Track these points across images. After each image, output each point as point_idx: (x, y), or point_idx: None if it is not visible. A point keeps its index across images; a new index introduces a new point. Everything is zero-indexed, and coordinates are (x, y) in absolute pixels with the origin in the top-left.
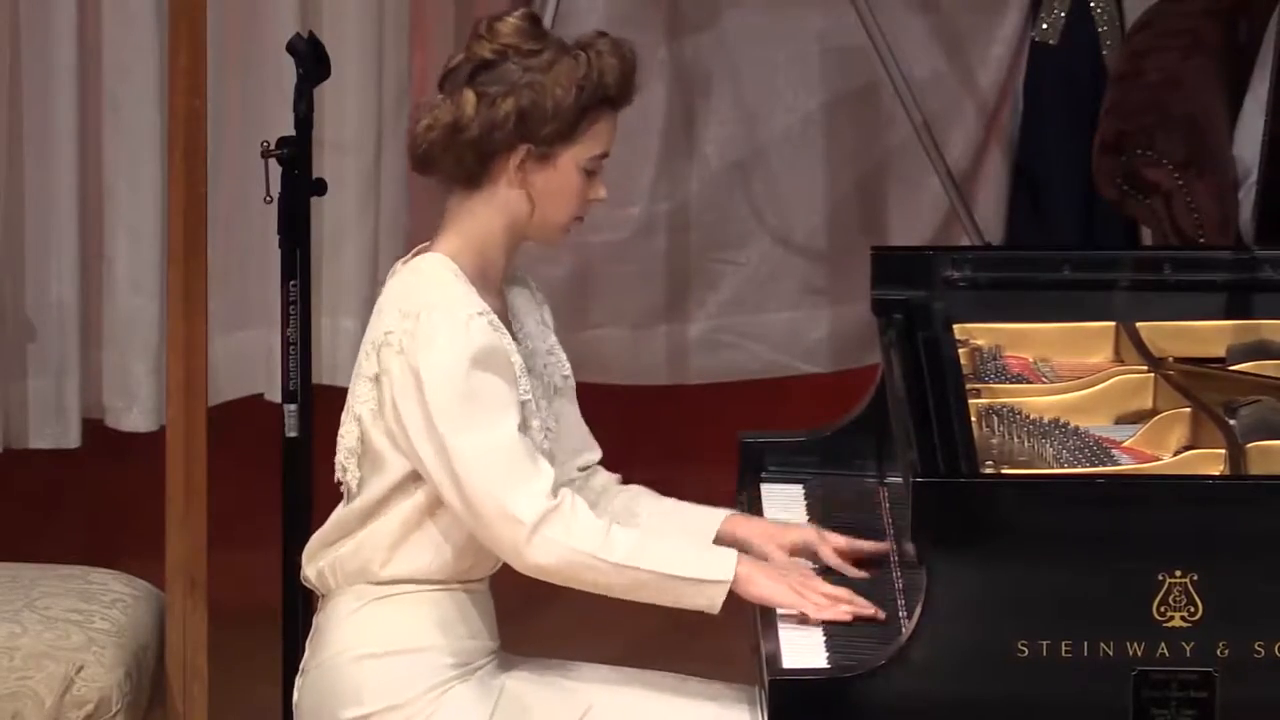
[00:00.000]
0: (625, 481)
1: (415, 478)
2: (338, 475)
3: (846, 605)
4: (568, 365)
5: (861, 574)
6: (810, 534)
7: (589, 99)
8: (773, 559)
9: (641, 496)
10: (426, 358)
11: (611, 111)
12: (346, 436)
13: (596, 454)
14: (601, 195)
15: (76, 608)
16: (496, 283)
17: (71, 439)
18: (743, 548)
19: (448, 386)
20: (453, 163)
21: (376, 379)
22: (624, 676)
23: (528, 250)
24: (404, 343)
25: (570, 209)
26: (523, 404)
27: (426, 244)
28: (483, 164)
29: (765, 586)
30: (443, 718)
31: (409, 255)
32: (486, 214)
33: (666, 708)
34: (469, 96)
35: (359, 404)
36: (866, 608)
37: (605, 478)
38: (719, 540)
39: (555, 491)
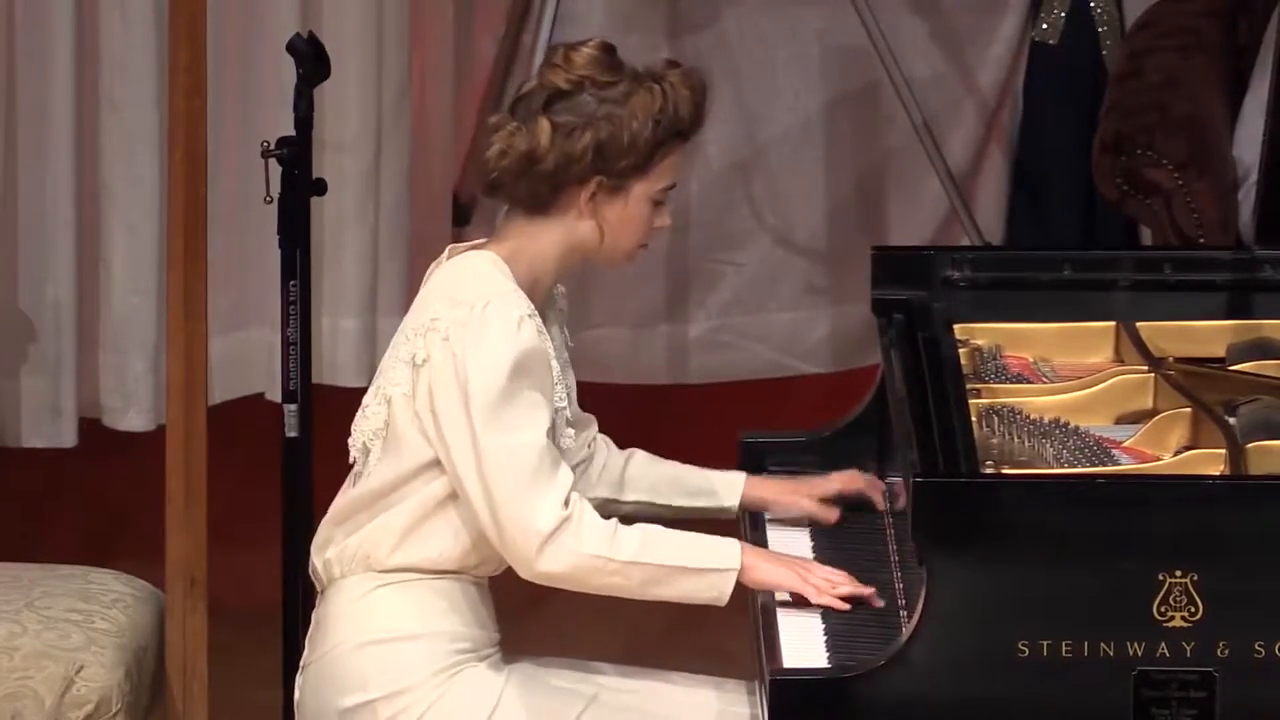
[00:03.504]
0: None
1: (433, 465)
2: (354, 454)
3: (846, 588)
4: (574, 385)
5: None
6: (827, 483)
7: (665, 132)
8: (807, 510)
9: (643, 461)
10: (475, 352)
11: (682, 143)
12: (372, 418)
13: (594, 426)
14: (666, 224)
15: (76, 608)
16: (540, 303)
17: (68, 438)
18: (765, 508)
19: (491, 384)
20: (525, 190)
21: (420, 364)
22: (626, 674)
23: None
24: (452, 331)
25: (637, 238)
26: (557, 410)
27: (478, 242)
28: (555, 193)
29: (768, 572)
30: (454, 698)
31: (449, 252)
32: (547, 238)
33: (671, 699)
34: (544, 126)
35: (392, 386)
36: (864, 590)
37: (602, 449)
38: (744, 504)
39: (569, 499)
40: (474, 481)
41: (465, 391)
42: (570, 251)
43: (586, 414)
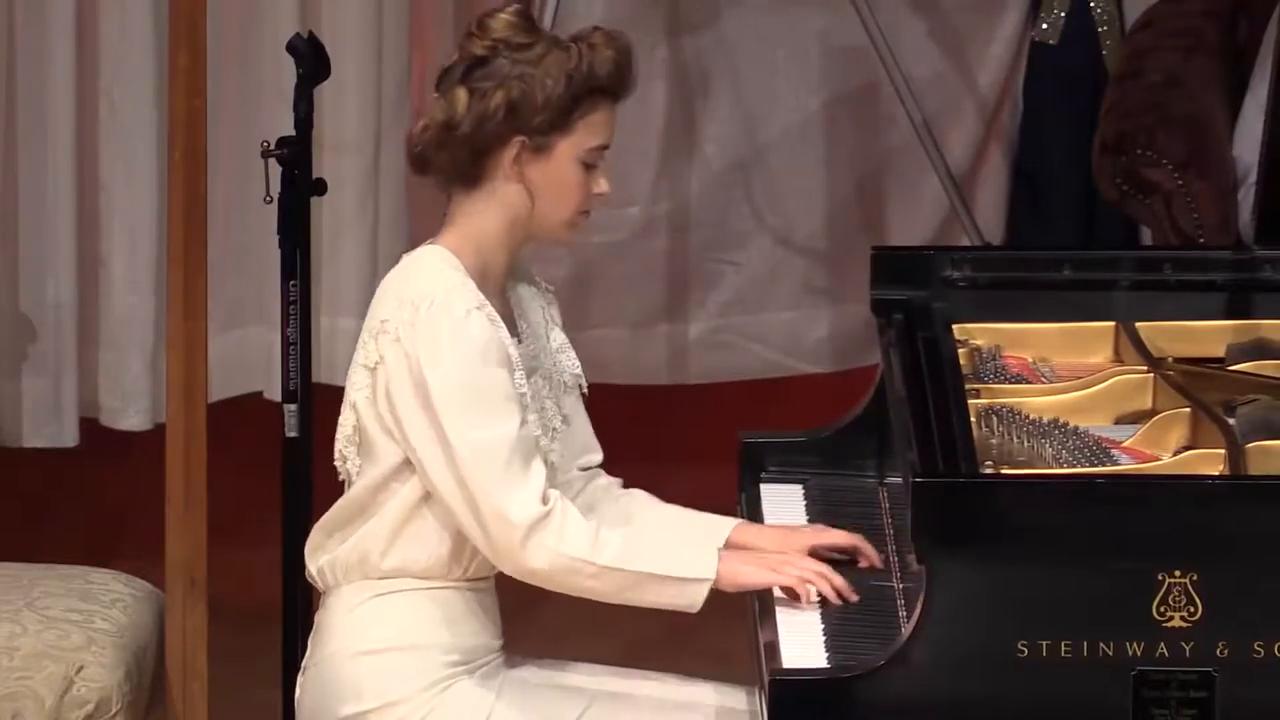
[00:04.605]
0: (627, 484)
1: (407, 466)
2: (337, 464)
3: (825, 583)
4: (578, 364)
5: (875, 562)
6: (823, 535)
7: (580, 88)
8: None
9: (643, 502)
10: (429, 354)
11: (608, 102)
12: (344, 425)
13: (598, 456)
14: (604, 189)
15: (76, 608)
16: (498, 283)
17: (68, 438)
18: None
19: (449, 382)
20: (448, 161)
21: (373, 367)
22: (625, 676)
23: (527, 251)
24: (401, 331)
25: (572, 203)
26: (519, 396)
27: (431, 240)
28: (478, 160)
29: (746, 574)
30: (444, 713)
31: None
32: (486, 212)
33: (670, 700)
34: (460, 94)
35: (355, 391)
36: (845, 589)
37: (607, 480)
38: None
39: (546, 496)
40: (448, 482)
41: (425, 392)
42: (513, 226)
43: (594, 441)
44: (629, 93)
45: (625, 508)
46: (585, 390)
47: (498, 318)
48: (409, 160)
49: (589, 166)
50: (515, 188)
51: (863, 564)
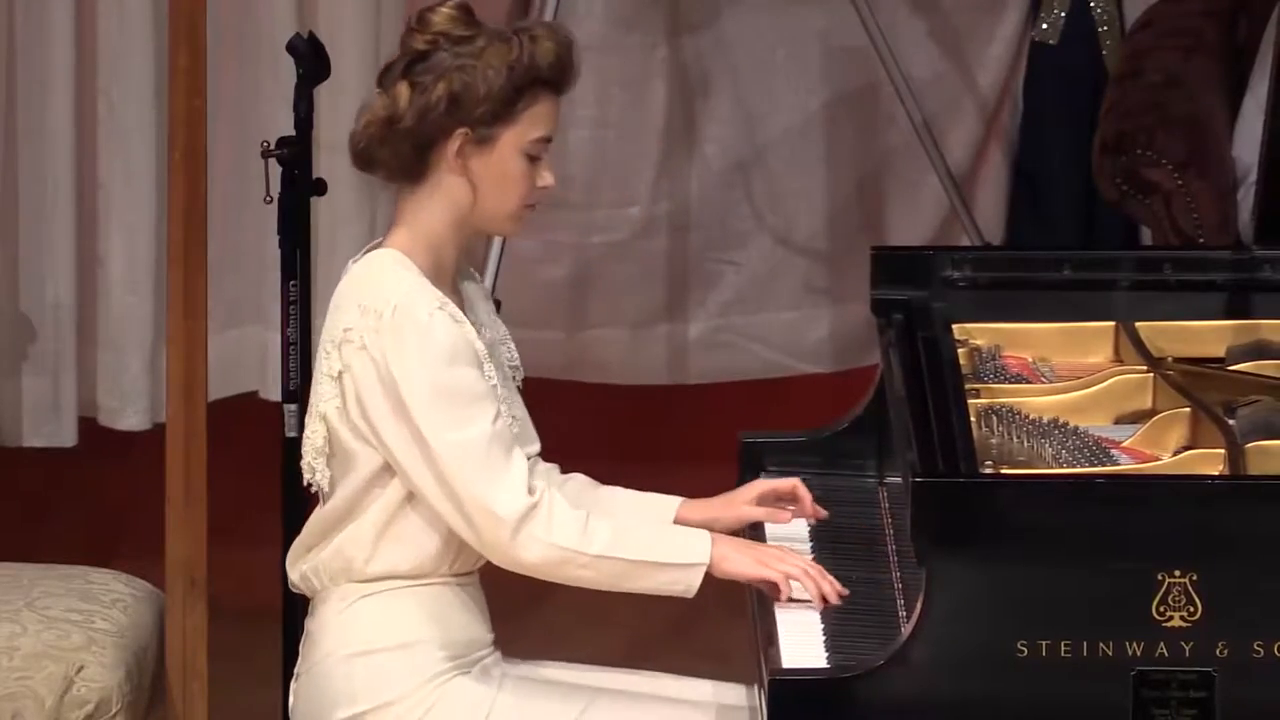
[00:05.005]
0: (628, 485)
1: (387, 471)
2: (307, 477)
3: (811, 583)
4: (516, 355)
5: (822, 513)
6: (761, 484)
7: (522, 79)
8: (747, 516)
9: (585, 485)
10: (398, 359)
11: (550, 94)
12: (313, 437)
13: (537, 446)
14: (549, 182)
15: (76, 608)
16: (450, 277)
17: (67, 438)
18: (709, 527)
19: (423, 388)
20: (391, 155)
21: (339, 376)
22: (625, 674)
23: (526, 251)
24: (366, 339)
25: (515, 195)
26: (490, 389)
27: (379, 240)
28: (421, 154)
29: (738, 563)
30: (444, 708)
31: (360, 253)
32: (432, 207)
33: (665, 707)
34: (402, 89)
35: (323, 403)
36: (830, 591)
37: (545, 467)
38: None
39: (531, 487)
40: (432, 484)
41: (398, 398)
42: (458, 220)
43: (533, 431)
44: (571, 85)
45: (570, 493)
46: (521, 382)
47: (460, 314)
48: (352, 157)
49: (532, 159)
50: (459, 180)
51: (804, 507)
